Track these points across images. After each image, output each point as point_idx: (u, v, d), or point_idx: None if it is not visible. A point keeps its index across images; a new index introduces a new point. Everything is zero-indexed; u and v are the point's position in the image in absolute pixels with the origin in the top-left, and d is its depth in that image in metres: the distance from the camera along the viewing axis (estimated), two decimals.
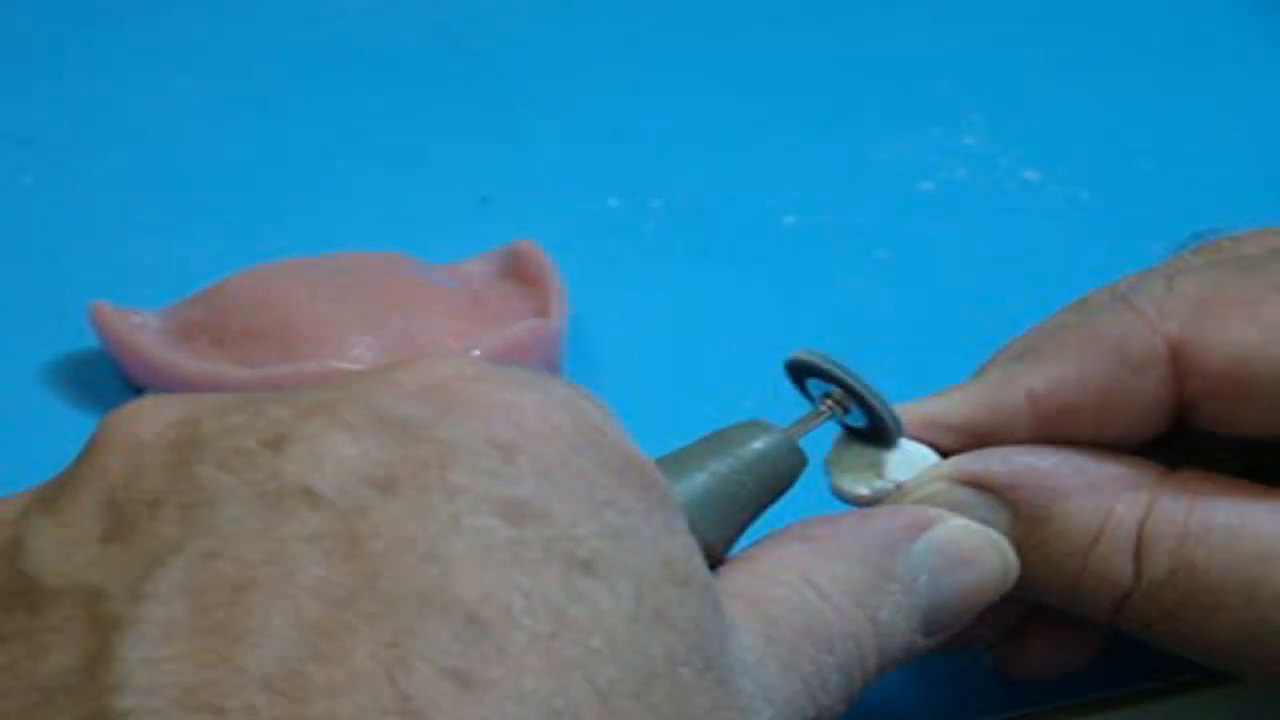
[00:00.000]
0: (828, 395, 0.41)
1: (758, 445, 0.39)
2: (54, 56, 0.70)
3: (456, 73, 0.69)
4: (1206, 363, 0.41)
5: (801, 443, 0.39)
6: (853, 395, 0.40)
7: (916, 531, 0.38)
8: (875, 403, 0.40)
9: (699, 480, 0.38)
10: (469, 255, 0.57)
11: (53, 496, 0.33)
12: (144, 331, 0.53)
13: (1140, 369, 0.41)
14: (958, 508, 0.41)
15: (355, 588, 0.31)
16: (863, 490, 0.42)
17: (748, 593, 0.36)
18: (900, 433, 0.41)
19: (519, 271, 0.56)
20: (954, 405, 0.43)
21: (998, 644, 0.44)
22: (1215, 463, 0.42)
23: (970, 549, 0.39)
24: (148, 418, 0.33)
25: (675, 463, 0.38)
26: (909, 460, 0.42)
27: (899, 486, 0.42)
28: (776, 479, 0.39)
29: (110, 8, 0.72)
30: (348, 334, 0.52)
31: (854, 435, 0.42)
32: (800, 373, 0.41)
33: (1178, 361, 0.41)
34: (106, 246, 0.60)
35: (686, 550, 0.34)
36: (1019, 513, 0.41)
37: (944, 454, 0.42)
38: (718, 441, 0.39)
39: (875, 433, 0.41)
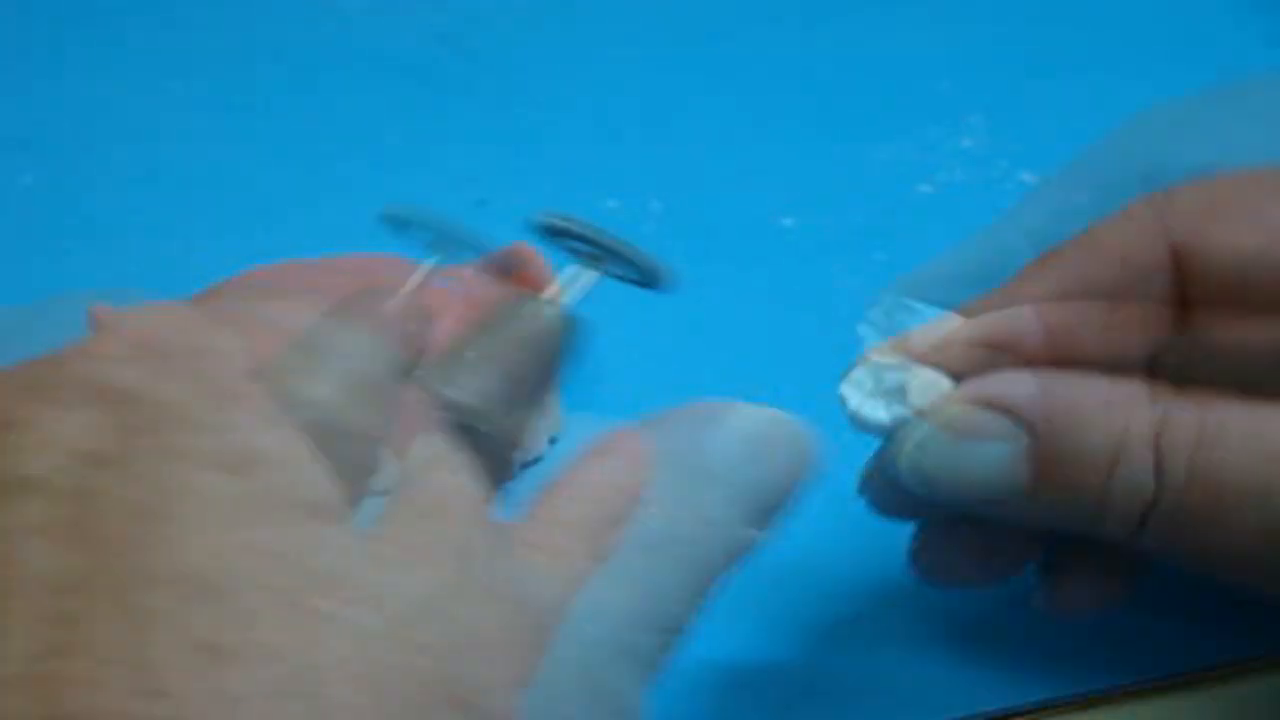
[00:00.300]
0: (584, 253, 0.40)
1: (535, 324, 0.38)
2: (54, 58, 0.70)
3: (455, 74, 0.69)
4: (1209, 265, 0.42)
5: (574, 308, 0.39)
6: (606, 250, 0.39)
7: (712, 423, 0.37)
8: (630, 252, 0.39)
9: (489, 374, 0.37)
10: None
11: None
12: None
13: (1143, 274, 0.42)
14: (977, 430, 0.41)
15: (88, 572, 0.30)
16: (882, 416, 0.42)
17: (570, 515, 0.35)
18: (666, 276, 0.40)
19: (517, 274, 0.56)
20: (966, 324, 0.43)
21: (1040, 580, 0.44)
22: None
23: (767, 432, 0.38)
24: None
25: (458, 361, 0.37)
26: (924, 386, 0.42)
27: (918, 412, 0.42)
28: (558, 351, 0.38)
29: (109, 9, 0.72)
30: None
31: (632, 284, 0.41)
32: (551, 236, 0.40)
33: (1180, 265, 0.42)
34: (105, 247, 0.61)
35: (448, 475, 0.33)
36: (1037, 432, 0.41)
37: (958, 377, 0.42)
38: (494, 328, 0.38)
39: (646, 281, 0.40)
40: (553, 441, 0.53)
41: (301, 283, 0.53)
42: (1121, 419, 0.41)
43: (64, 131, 0.66)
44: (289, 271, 0.54)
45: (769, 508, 0.37)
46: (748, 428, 0.37)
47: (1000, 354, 0.43)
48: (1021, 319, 0.43)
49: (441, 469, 0.33)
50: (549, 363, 0.38)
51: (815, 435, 0.38)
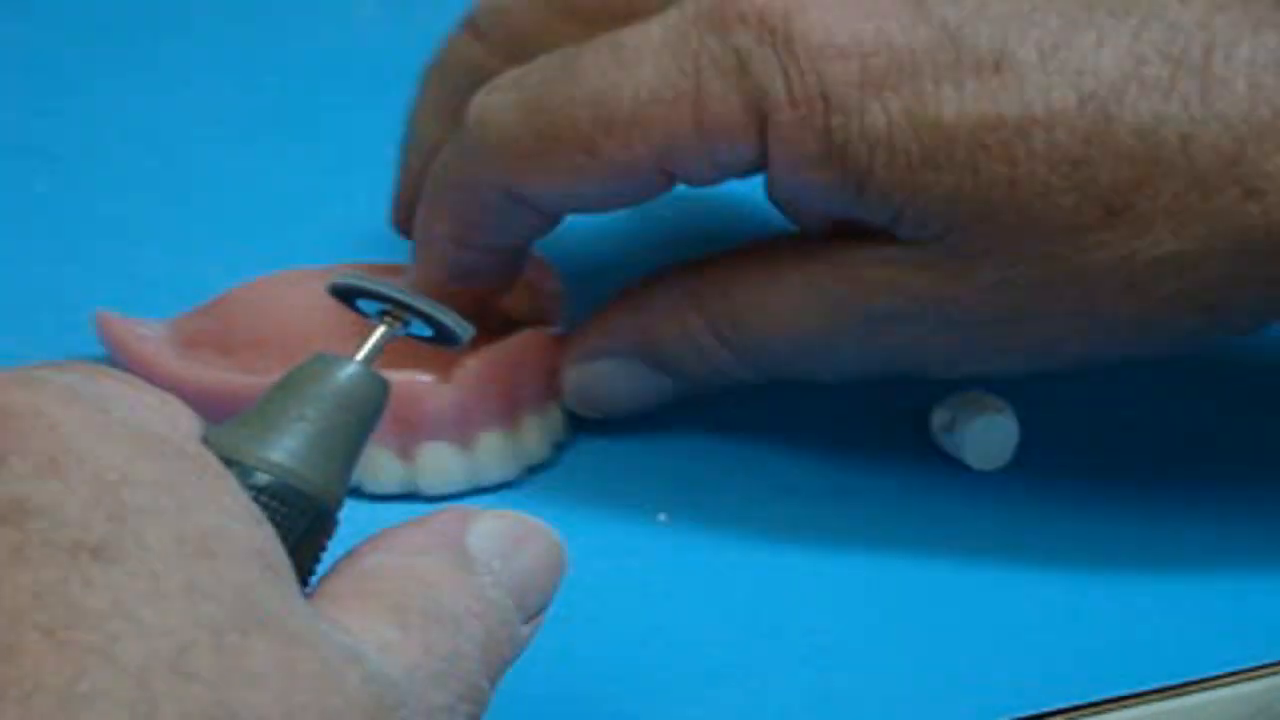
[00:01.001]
0: (384, 312, 0.40)
1: (340, 381, 0.38)
2: (66, 66, 0.70)
3: None
4: None
5: (374, 367, 0.39)
6: (404, 307, 0.40)
7: (465, 524, 0.38)
8: (427, 308, 0.40)
9: (294, 432, 0.37)
10: None
11: None
12: (149, 341, 0.53)
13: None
14: (600, 373, 0.52)
15: None
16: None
17: (367, 589, 0.36)
18: (466, 334, 0.41)
19: (521, 278, 0.55)
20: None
21: None
22: None
23: (521, 533, 0.39)
24: None
25: (259, 419, 0.37)
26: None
27: None
28: (368, 409, 0.38)
29: (119, 19, 0.72)
30: (352, 341, 0.52)
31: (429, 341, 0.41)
32: (347, 297, 0.40)
33: None
34: (118, 254, 0.61)
35: (225, 518, 0.34)
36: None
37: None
38: (294, 388, 0.38)
39: (443, 337, 0.41)
40: (558, 447, 0.53)
41: (306, 290, 0.53)
42: (671, 318, 0.51)
43: (77, 139, 0.66)
44: (294, 280, 0.54)
45: (531, 601, 0.38)
46: (502, 526, 0.39)
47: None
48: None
49: (225, 514, 0.34)
50: (357, 420, 0.38)
51: (560, 539, 0.39)
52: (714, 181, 0.49)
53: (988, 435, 0.51)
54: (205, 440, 0.36)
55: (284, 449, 0.36)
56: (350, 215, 0.63)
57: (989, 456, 0.51)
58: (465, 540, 0.38)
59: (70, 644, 0.31)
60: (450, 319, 0.40)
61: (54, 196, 0.64)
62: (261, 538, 0.34)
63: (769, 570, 0.49)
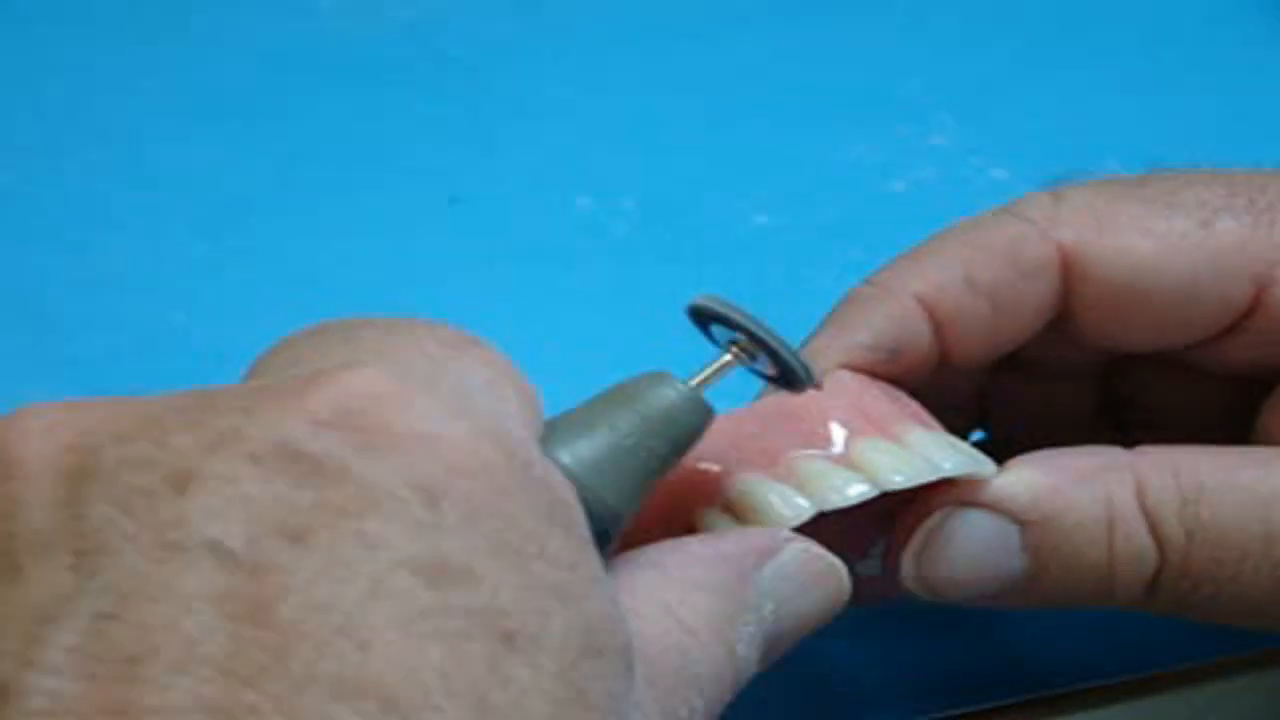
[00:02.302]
0: (733, 342, 0.38)
1: (660, 401, 0.36)
2: (26, 57, 0.70)
3: (425, 73, 0.69)
4: (1101, 272, 0.42)
5: (706, 394, 0.37)
6: (758, 342, 0.38)
7: (765, 557, 0.36)
8: (781, 350, 0.38)
9: (597, 440, 0.35)
10: (439, 255, 0.57)
11: None
12: None
13: (1031, 274, 0.42)
14: (971, 527, 0.40)
15: (262, 662, 0.28)
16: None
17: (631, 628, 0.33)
18: (811, 379, 0.38)
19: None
20: (856, 330, 0.43)
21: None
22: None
23: (814, 574, 0.37)
24: (37, 437, 0.30)
25: (571, 421, 0.36)
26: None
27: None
28: (680, 435, 0.36)
29: (80, 8, 0.72)
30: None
31: (770, 381, 0.39)
32: (704, 319, 0.39)
33: (1068, 269, 0.42)
34: (79, 247, 0.61)
35: (609, 606, 0.31)
36: (1026, 520, 0.40)
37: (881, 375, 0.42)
38: (618, 397, 0.36)
39: (785, 379, 0.39)
40: None
41: None
42: (1103, 489, 0.40)
43: (37, 131, 0.66)
44: None
45: (785, 644, 0.36)
46: (801, 564, 0.36)
47: (892, 355, 0.42)
48: (909, 320, 0.43)
49: (609, 601, 0.32)
50: (670, 447, 0.36)
51: (847, 579, 0.37)
52: None
53: None
54: None
55: (580, 455, 0.35)
56: (311, 205, 0.63)
57: None
58: (758, 576, 0.35)
59: None
60: (801, 361, 0.38)
61: (15, 190, 0.64)
62: (625, 632, 0.32)
63: None
